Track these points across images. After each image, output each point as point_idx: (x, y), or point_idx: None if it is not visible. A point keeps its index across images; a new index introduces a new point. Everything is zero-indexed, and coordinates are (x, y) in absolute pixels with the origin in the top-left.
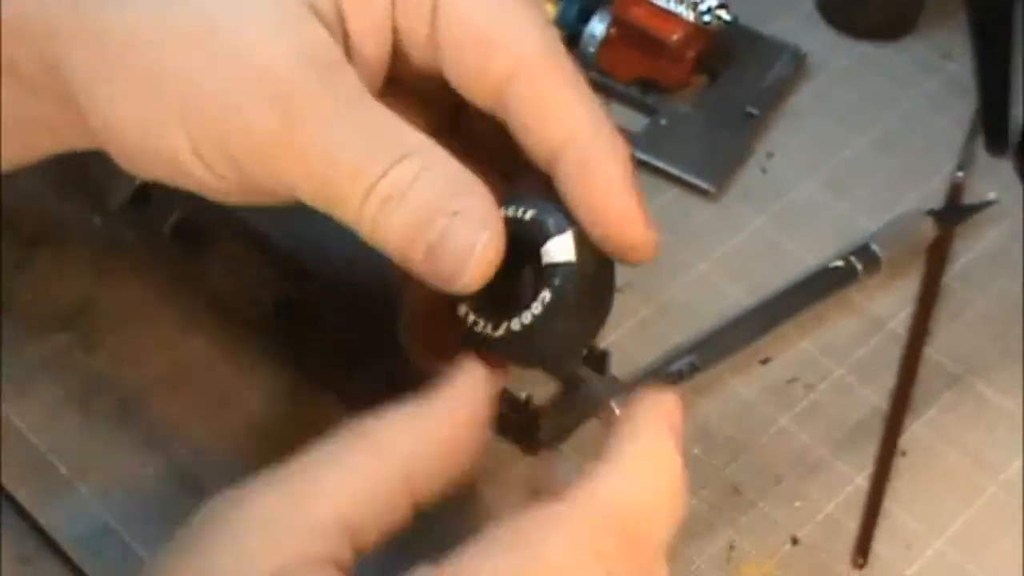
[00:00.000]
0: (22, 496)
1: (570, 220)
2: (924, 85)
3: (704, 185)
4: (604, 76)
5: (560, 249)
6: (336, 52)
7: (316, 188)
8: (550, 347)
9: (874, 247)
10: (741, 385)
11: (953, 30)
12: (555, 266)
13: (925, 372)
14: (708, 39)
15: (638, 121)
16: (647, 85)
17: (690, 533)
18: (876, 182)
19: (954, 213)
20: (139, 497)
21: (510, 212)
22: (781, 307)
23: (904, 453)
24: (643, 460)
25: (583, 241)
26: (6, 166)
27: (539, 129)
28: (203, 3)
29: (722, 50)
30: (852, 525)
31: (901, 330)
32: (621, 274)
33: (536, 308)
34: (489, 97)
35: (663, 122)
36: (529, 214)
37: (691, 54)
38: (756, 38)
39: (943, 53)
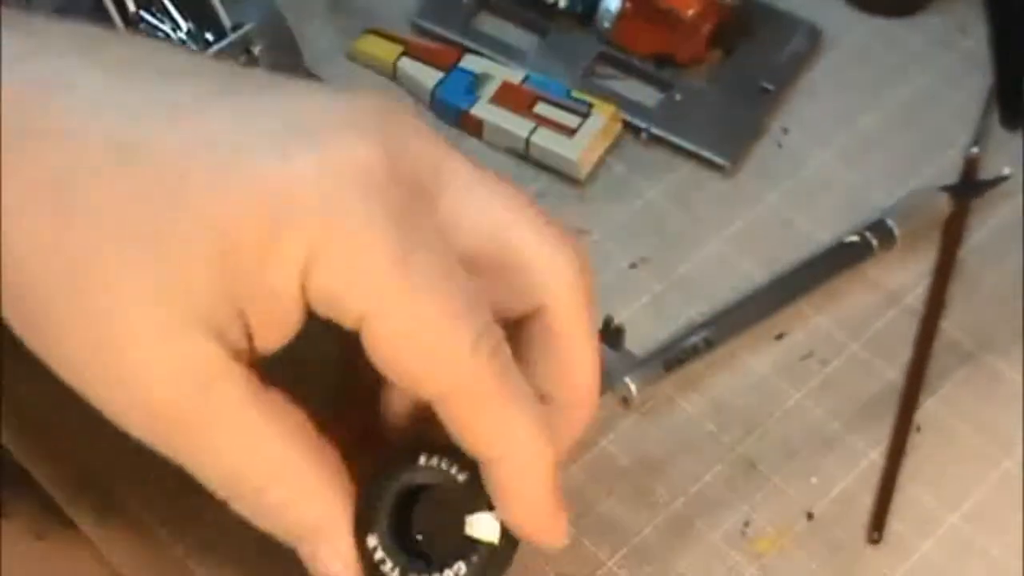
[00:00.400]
0: (36, 472)
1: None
2: (939, 60)
3: (719, 160)
4: (619, 51)
5: (486, 528)
6: (220, 362)
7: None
8: None
9: (889, 222)
10: (756, 360)
11: (968, 5)
12: (476, 542)
13: (940, 347)
14: (723, 14)
15: (653, 96)
16: (662, 60)
17: (705, 508)
18: (891, 157)
19: (969, 188)
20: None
21: (443, 465)
22: (796, 282)
23: (919, 428)
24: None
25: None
26: None
27: (468, 443)
28: (94, 322)
29: (737, 25)
30: (867, 500)
31: (916, 305)
32: (636, 249)
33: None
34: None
35: (678, 97)
36: (462, 477)
37: (706, 29)
38: (771, 13)
39: (958, 28)
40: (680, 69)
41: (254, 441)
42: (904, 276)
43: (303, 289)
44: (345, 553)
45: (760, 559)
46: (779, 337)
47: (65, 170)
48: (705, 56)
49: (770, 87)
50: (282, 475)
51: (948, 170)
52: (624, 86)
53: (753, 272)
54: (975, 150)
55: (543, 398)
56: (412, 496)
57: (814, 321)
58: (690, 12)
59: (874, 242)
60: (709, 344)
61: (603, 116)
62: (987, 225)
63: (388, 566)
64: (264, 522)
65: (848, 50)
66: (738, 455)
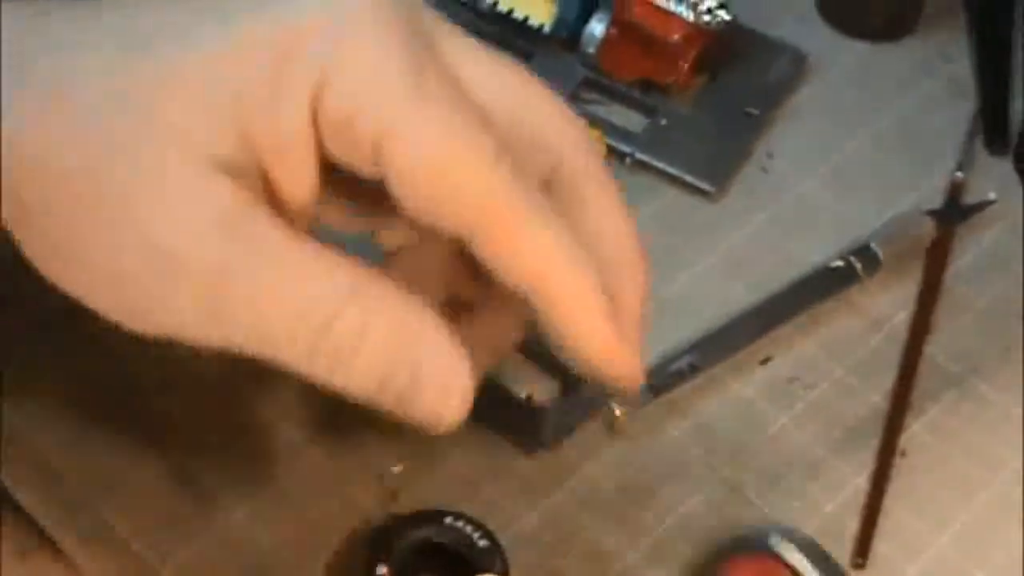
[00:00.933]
0: (20, 493)
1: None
2: (924, 85)
3: (704, 185)
4: (604, 76)
5: None
6: (246, 202)
7: (259, 349)
8: None
9: (874, 247)
10: (741, 384)
11: (953, 31)
12: None
13: (925, 372)
14: (708, 39)
15: (638, 121)
16: (647, 85)
17: (691, 533)
18: (876, 182)
19: (954, 213)
20: (139, 493)
21: (467, 529)
22: (781, 307)
23: (904, 453)
24: None
25: None
26: None
27: (506, 273)
28: (119, 183)
29: (722, 50)
30: (852, 525)
31: (901, 330)
32: None
33: None
34: (452, 236)
35: (663, 122)
36: (482, 543)
37: (691, 54)
38: (756, 38)
39: (943, 54)
40: (665, 94)
41: (306, 273)
42: (889, 300)
43: (316, 125)
44: (452, 356)
45: None
46: (764, 362)
47: (71, 32)
48: (690, 81)
49: (755, 112)
50: (348, 295)
51: (933, 195)
52: (609, 111)
53: (738, 297)
54: (960, 175)
55: None
56: (428, 550)
57: (799, 346)
58: (675, 37)
59: (859, 266)
60: (694, 369)
61: None
62: (972, 250)
63: None
64: (346, 364)
65: (833, 75)
66: (723, 479)
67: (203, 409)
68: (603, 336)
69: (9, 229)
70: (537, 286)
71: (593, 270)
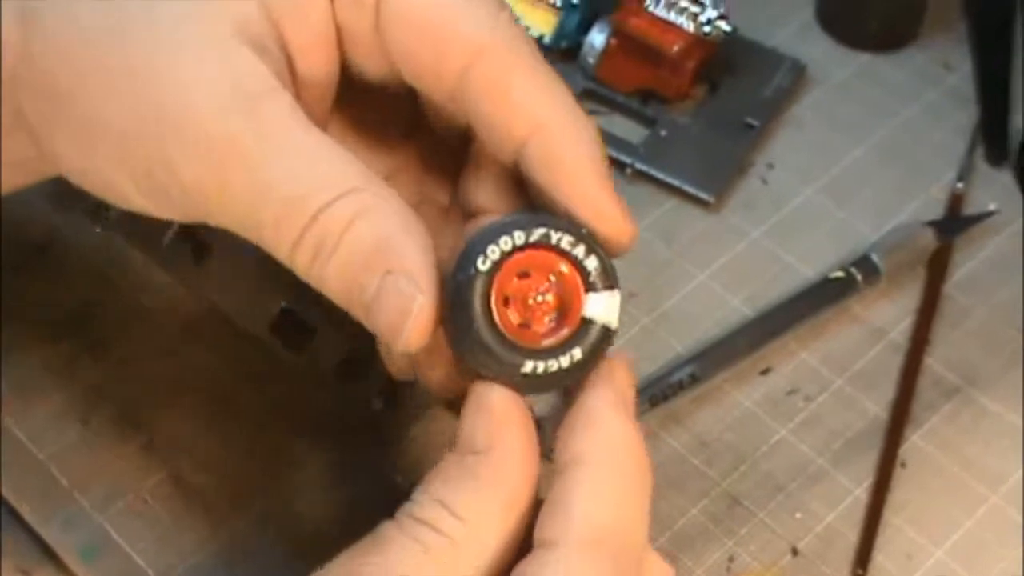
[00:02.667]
0: (22, 507)
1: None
2: (924, 96)
3: (704, 196)
4: (604, 87)
5: (606, 310)
6: (265, 80)
7: (246, 230)
8: (544, 387)
9: (874, 258)
10: (741, 395)
11: (953, 41)
12: (593, 323)
13: (925, 383)
14: (708, 50)
15: (638, 132)
16: (647, 96)
17: (690, 544)
18: (876, 193)
19: (954, 224)
20: (140, 508)
21: (551, 239)
22: (781, 318)
23: (904, 464)
24: (610, 465)
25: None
26: None
27: (501, 122)
28: (137, 48)
29: (722, 61)
30: (852, 536)
31: (901, 340)
32: (621, 284)
33: (563, 361)
34: (447, 93)
35: (663, 133)
36: (580, 250)
37: (691, 65)
38: (756, 49)
39: (943, 64)
40: (665, 105)
41: (310, 159)
42: (889, 311)
43: None
44: (422, 273)
45: None
46: (764, 372)
47: None
48: (690, 92)
49: (755, 123)
50: (345, 190)
51: (933, 206)
52: (609, 122)
53: (738, 307)
54: (960, 185)
55: None
56: None
57: (799, 356)
58: (675, 48)
59: (859, 277)
60: (694, 379)
61: None
62: (972, 261)
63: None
64: (324, 259)
65: (832, 86)
66: (723, 490)
67: (206, 418)
68: (601, 188)
69: (38, 134)
70: (533, 136)
71: (593, 125)
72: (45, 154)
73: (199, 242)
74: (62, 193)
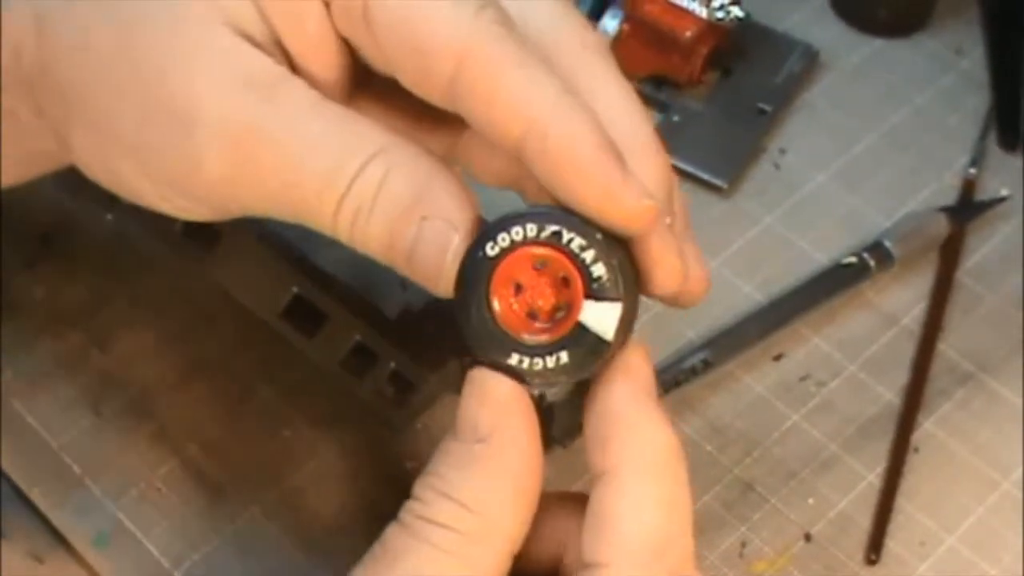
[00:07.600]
0: (35, 495)
1: (627, 286)
2: (937, 81)
3: (717, 181)
4: None
5: (602, 320)
6: (275, 70)
7: (285, 210)
8: (533, 384)
9: (887, 244)
10: (754, 381)
11: (966, 26)
12: (587, 331)
13: (938, 369)
14: (721, 35)
15: (651, 118)
16: (660, 81)
17: (703, 530)
18: (889, 178)
19: (967, 209)
20: (152, 495)
21: (562, 239)
22: (794, 303)
23: (917, 450)
24: (653, 474)
25: (625, 318)
26: (8, 183)
27: (495, 124)
28: (150, 52)
29: (735, 46)
30: (865, 522)
31: (914, 327)
32: None
33: (550, 361)
34: (442, 97)
35: (676, 118)
36: (588, 255)
37: (704, 50)
38: (768, 34)
39: (956, 49)
40: (678, 91)
41: (336, 130)
42: (902, 297)
43: None
44: (458, 214)
45: None
46: (777, 358)
47: None
48: (702, 78)
49: (767, 108)
50: (373, 153)
51: (946, 191)
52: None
53: (751, 293)
54: (973, 171)
55: None
56: None
57: (812, 342)
58: (687, 34)
59: (872, 263)
60: (707, 365)
61: None
62: (985, 246)
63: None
64: (364, 220)
65: (845, 71)
66: (735, 476)
67: (216, 409)
68: (600, 175)
69: (59, 134)
70: (528, 134)
71: (589, 112)
72: (69, 148)
73: (210, 230)
74: (72, 181)
